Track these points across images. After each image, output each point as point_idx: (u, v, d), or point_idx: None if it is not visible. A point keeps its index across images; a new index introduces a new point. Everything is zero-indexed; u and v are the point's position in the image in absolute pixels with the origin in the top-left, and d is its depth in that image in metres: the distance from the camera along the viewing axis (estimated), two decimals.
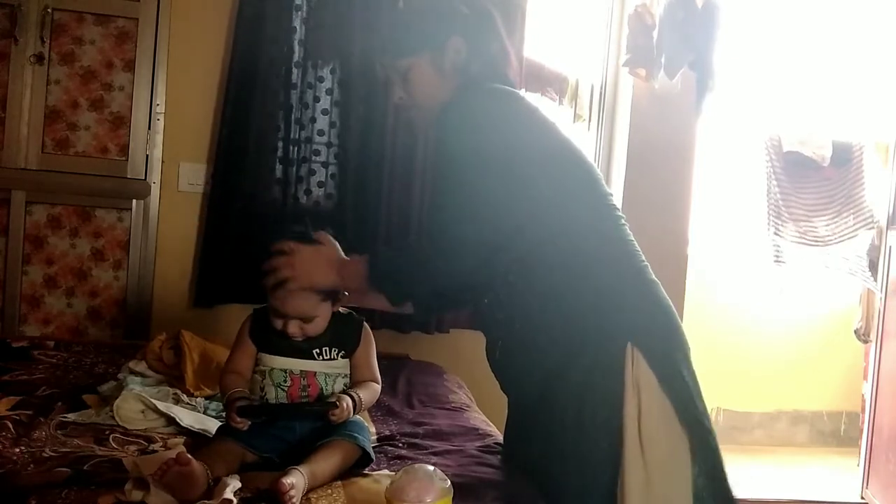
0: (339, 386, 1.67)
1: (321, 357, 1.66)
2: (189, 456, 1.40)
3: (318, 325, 1.65)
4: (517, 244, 1.57)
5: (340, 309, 1.73)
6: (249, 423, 1.56)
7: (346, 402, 1.60)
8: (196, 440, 1.75)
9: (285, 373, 1.64)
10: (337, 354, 1.68)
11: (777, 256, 3.68)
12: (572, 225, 1.58)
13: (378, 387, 1.75)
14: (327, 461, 1.54)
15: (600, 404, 1.50)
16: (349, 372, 1.71)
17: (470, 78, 1.64)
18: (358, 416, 1.67)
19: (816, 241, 3.67)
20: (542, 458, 1.56)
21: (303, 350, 1.65)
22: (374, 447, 1.73)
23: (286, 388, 1.63)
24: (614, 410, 1.49)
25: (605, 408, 1.50)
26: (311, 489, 1.48)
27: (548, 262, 1.56)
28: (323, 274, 1.61)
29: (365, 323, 1.76)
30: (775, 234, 3.66)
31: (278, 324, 1.64)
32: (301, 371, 1.64)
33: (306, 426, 1.61)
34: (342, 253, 1.67)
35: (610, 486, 1.48)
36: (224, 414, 1.84)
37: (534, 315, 1.57)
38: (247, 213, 2.75)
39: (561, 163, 1.62)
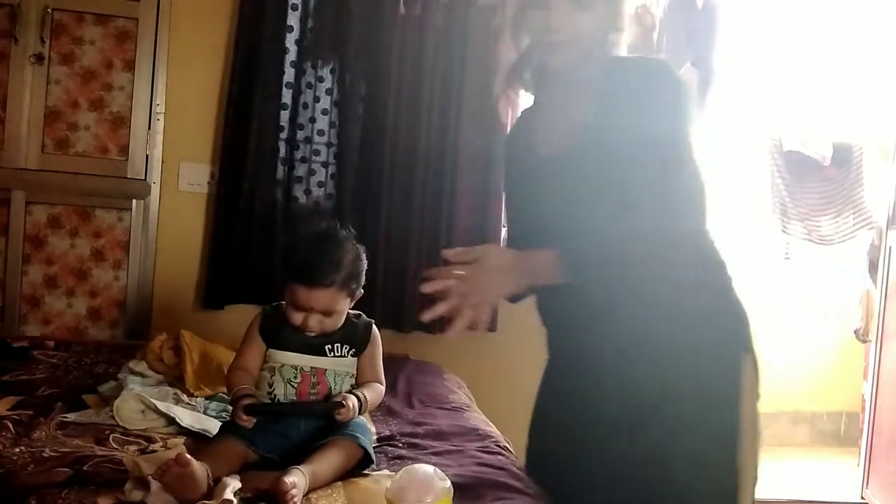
0: (346, 386, 1.67)
1: (332, 353, 1.67)
2: (189, 457, 1.40)
3: (337, 321, 1.66)
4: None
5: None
6: (255, 420, 1.57)
7: (352, 401, 1.60)
8: (196, 440, 1.75)
9: (296, 369, 1.64)
10: (347, 352, 1.69)
11: (786, 254, 3.69)
12: (701, 224, 1.43)
13: (382, 388, 1.76)
14: (329, 461, 1.54)
15: (721, 409, 1.41)
16: (356, 372, 1.72)
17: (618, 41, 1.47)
18: (361, 417, 1.68)
19: (822, 240, 3.68)
20: (648, 459, 1.41)
21: (314, 346, 1.66)
22: (374, 447, 1.73)
23: (296, 385, 1.63)
24: (733, 416, 1.41)
25: (727, 413, 1.41)
26: (311, 489, 1.48)
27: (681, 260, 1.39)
28: (506, 282, 1.36)
29: (374, 325, 1.76)
30: (783, 230, 3.67)
31: (297, 318, 1.64)
32: (311, 368, 1.65)
33: (310, 425, 1.61)
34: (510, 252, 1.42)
35: (733, 492, 1.41)
36: (225, 413, 1.84)
37: (648, 315, 1.39)
38: (252, 214, 2.75)
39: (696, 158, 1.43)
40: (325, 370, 1.66)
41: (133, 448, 1.67)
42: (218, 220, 2.77)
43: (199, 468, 1.40)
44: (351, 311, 1.73)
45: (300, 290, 1.62)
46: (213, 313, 2.76)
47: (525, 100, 1.58)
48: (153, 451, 1.64)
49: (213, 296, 2.77)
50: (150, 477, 1.39)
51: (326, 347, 1.67)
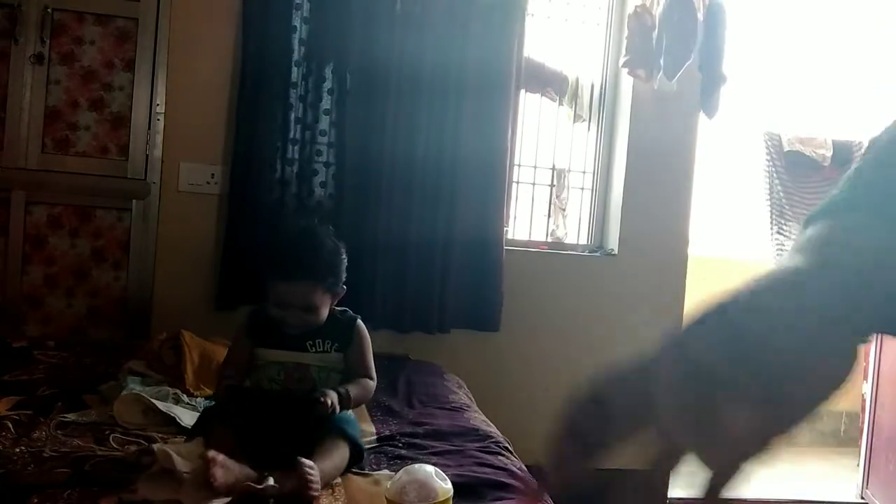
0: (333, 381, 1.67)
1: (314, 349, 1.68)
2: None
3: (318, 317, 1.67)
4: None
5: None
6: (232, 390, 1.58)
7: (332, 397, 1.59)
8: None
9: (279, 366, 1.65)
10: (330, 348, 1.69)
11: (780, 255, 3.68)
12: None
13: (372, 384, 1.75)
14: (330, 461, 1.55)
15: None
16: (343, 368, 1.72)
17: None
18: (349, 413, 1.68)
19: None
20: None
21: (295, 342, 1.66)
22: (374, 447, 1.73)
23: (280, 381, 1.65)
24: None
25: None
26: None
27: None
28: None
29: (359, 320, 1.77)
30: (779, 232, 3.66)
31: (278, 315, 1.65)
32: (294, 364, 1.65)
33: (295, 424, 1.61)
34: None
35: None
36: None
37: None
38: (255, 214, 2.74)
39: None
40: (309, 366, 1.66)
41: (133, 448, 1.67)
42: (224, 220, 2.76)
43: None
44: (336, 308, 1.73)
45: (278, 284, 1.64)
46: (214, 313, 2.76)
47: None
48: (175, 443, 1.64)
49: (227, 297, 2.75)
50: (184, 474, 1.40)
51: (308, 343, 1.68)
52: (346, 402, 1.64)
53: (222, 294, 2.76)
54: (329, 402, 1.58)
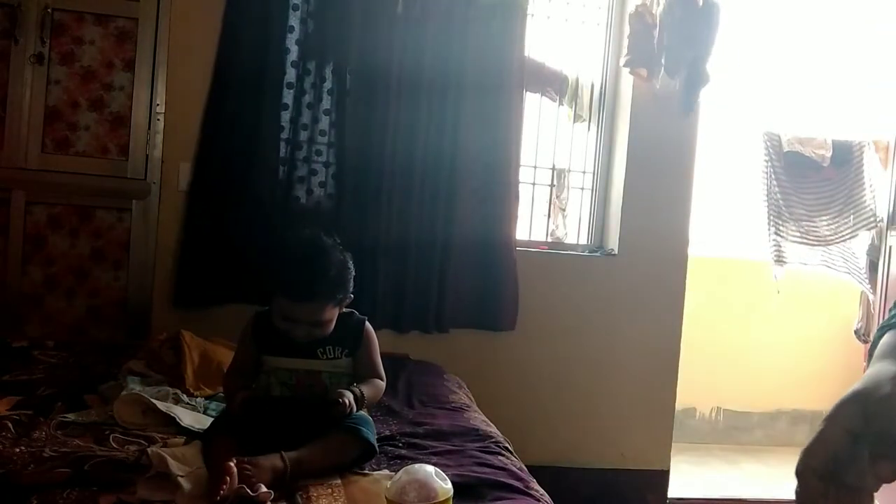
0: (343, 385, 1.67)
1: (325, 356, 1.67)
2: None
3: (326, 329, 1.66)
4: None
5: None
6: (245, 404, 1.57)
7: (348, 397, 1.60)
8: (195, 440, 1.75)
9: (290, 373, 1.64)
10: (341, 353, 1.69)
11: (778, 256, 3.67)
12: None
13: (382, 383, 1.76)
14: (322, 444, 1.56)
15: None
16: (353, 371, 1.72)
17: None
18: (363, 412, 1.68)
19: (818, 241, 3.67)
20: None
21: (305, 349, 1.66)
22: None
23: (291, 388, 1.64)
24: None
25: None
26: (310, 469, 1.51)
27: None
28: None
29: (367, 322, 1.76)
30: (776, 233, 3.66)
31: (285, 327, 1.64)
32: (306, 371, 1.64)
33: (306, 426, 1.61)
34: None
35: None
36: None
37: None
38: (244, 214, 2.74)
39: None
40: (321, 372, 1.66)
41: (133, 448, 1.67)
42: (191, 218, 2.76)
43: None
44: (343, 310, 1.72)
45: (286, 303, 1.62)
46: (214, 313, 2.75)
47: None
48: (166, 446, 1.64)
49: (183, 295, 2.76)
50: (179, 477, 1.40)
51: (318, 350, 1.67)
52: (360, 402, 1.64)
53: (189, 292, 2.75)
54: (347, 403, 1.58)
